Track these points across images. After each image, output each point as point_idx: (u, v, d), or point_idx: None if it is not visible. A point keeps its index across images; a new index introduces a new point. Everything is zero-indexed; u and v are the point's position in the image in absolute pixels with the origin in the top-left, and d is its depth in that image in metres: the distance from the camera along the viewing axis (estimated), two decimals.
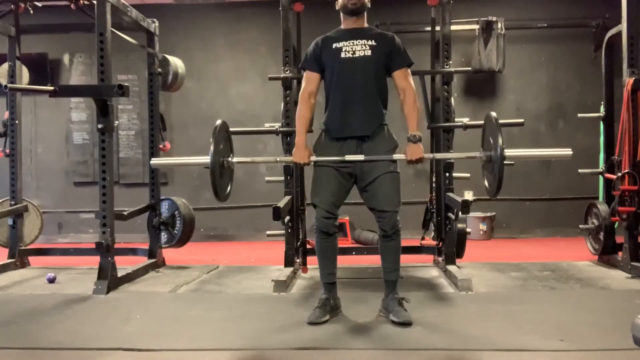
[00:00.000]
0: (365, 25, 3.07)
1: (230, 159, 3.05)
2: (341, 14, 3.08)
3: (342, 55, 2.96)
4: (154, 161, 3.43)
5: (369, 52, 2.95)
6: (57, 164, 6.84)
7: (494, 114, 2.85)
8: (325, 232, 2.96)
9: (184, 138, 6.66)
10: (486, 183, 3.00)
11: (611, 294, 3.57)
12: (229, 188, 3.11)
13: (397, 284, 2.98)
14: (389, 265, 2.96)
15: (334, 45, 2.99)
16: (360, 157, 2.90)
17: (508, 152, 2.74)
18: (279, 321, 2.96)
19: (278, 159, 3.38)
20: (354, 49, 2.96)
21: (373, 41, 2.98)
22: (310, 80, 3.05)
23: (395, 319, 2.83)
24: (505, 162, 2.72)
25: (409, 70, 3.03)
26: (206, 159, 2.89)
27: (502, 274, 4.19)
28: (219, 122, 2.97)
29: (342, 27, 3.07)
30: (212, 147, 2.87)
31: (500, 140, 2.73)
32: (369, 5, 3.07)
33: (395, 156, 2.93)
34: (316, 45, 3.05)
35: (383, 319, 2.93)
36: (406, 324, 2.78)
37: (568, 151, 2.93)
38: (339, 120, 2.97)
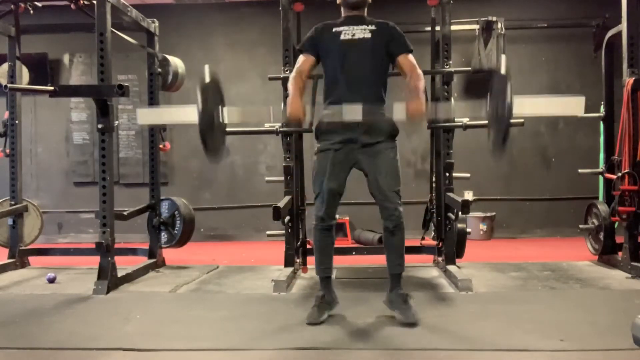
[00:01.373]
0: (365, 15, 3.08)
1: (220, 111, 2.94)
2: (342, 8, 3.09)
3: (342, 37, 2.98)
4: (141, 117, 3.19)
5: (368, 35, 2.97)
6: (57, 164, 6.85)
7: (504, 61, 2.75)
8: (324, 225, 2.96)
9: (184, 138, 6.65)
10: (491, 144, 2.83)
11: (611, 294, 3.57)
12: (223, 145, 3.02)
13: (401, 278, 2.97)
14: (393, 258, 2.95)
15: (334, 30, 3.01)
16: (359, 113, 2.80)
17: (517, 98, 2.56)
18: (279, 321, 2.95)
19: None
20: (353, 32, 2.98)
21: (373, 26, 3.00)
22: (304, 61, 3.03)
23: (401, 319, 2.81)
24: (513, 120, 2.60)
25: (411, 56, 3.00)
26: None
27: (502, 274, 4.19)
28: (206, 67, 2.82)
29: (343, 16, 3.08)
30: (199, 100, 2.74)
31: (509, 90, 2.58)
32: (370, 0, 3.07)
33: (396, 106, 2.80)
34: (315, 30, 3.06)
35: (383, 318, 2.92)
36: (412, 324, 2.77)
37: (580, 99, 2.73)
38: (339, 104, 2.91)
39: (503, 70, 2.69)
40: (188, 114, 2.80)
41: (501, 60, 2.74)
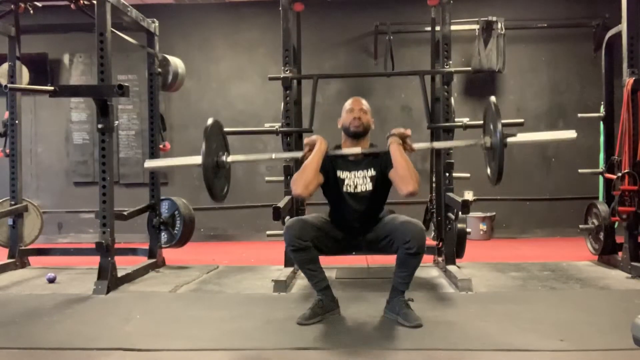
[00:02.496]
0: (367, 146, 3.03)
1: (225, 158, 2.96)
2: (342, 133, 3.07)
3: (344, 189, 2.99)
4: (148, 164, 3.34)
5: (370, 187, 2.98)
6: (57, 164, 6.85)
7: (493, 98, 2.82)
8: (294, 247, 2.89)
9: (184, 138, 6.66)
10: (488, 171, 2.95)
11: (611, 294, 3.57)
12: (226, 188, 3.06)
13: (405, 290, 2.95)
14: (404, 276, 2.89)
15: (338, 174, 3.01)
16: (358, 150, 2.96)
17: (510, 139, 2.69)
18: (279, 321, 2.95)
19: (274, 156, 3.30)
20: (355, 183, 2.99)
21: (372, 170, 2.99)
22: None
23: (406, 323, 2.80)
24: (507, 139, 2.68)
25: None
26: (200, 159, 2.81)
27: (502, 274, 4.19)
28: (210, 120, 2.88)
29: (343, 147, 3.05)
30: (203, 147, 2.79)
31: (499, 126, 2.69)
32: (373, 127, 3.06)
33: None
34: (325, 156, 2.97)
35: (383, 318, 2.93)
36: (417, 326, 2.76)
37: (572, 133, 2.82)
38: (340, 226, 3.05)
39: (493, 106, 2.77)
40: (193, 161, 2.95)
41: (491, 100, 2.82)
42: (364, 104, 3.06)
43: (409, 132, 2.91)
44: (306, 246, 2.88)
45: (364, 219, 3.04)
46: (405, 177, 2.80)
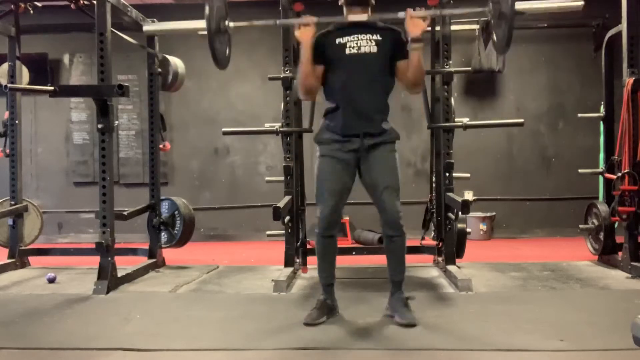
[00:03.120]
0: (370, 17, 2.94)
1: (227, 22, 2.90)
2: (344, 8, 2.98)
3: (347, 51, 2.88)
4: (147, 27, 3.14)
5: (374, 49, 2.88)
6: (57, 164, 6.84)
7: None
8: (327, 235, 2.93)
9: (184, 138, 6.66)
10: (494, 37, 2.81)
11: (611, 294, 3.57)
12: (227, 51, 2.99)
13: (403, 283, 2.97)
14: (394, 265, 2.94)
15: (338, 41, 2.91)
16: (364, 17, 2.88)
17: (519, 5, 2.60)
18: (279, 321, 2.96)
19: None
20: (359, 44, 2.88)
21: (378, 35, 2.90)
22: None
23: (399, 321, 2.82)
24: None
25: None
26: (201, 23, 2.77)
27: (502, 274, 4.19)
28: None
29: (345, 18, 2.96)
30: (207, 10, 2.75)
31: None
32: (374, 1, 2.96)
33: (400, 13, 2.79)
34: (317, 42, 2.91)
35: (383, 319, 2.93)
36: (410, 325, 2.78)
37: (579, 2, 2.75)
38: (342, 118, 2.90)
39: None
40: (195, 25, 2.97)
41: None
42: None
43: (427, 20, 2.85)
44: (334, 235, 2.95)
45: (369, 98, 2.90)
46: (417, 84, 2.93)
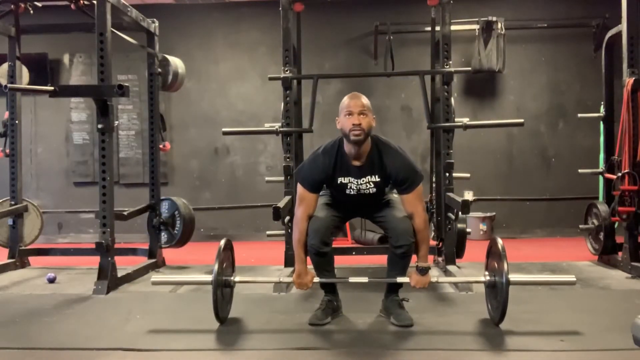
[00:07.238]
0: (368, 148, 2.87)
1: (232, 277, 3.05)
2: (344, 137, 2.91)
3: (347, 192, 2.94)
4: (155, 278, 3.19)
5: (373, 190, 2.92)
6: (57, 164, 6.84)
7: (500, 241, 2.77)
8: (318, 252, 2.90)
9: (184, 138, 6.66)
10: (489, 307, 2.90)
11: (611, 294, 3.57)
12: (228, 308, 3.07)
13: (399, 288, 2.98)
14: (396, 274, 2.92)
15: (339, 180, 2.91)
16: (365, 280, 3.01)
17: (513, 277, 2.67)
18: (279, 321, 2.96)
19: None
20: (358, 187, 2.91)
21: (377, 176, 2.89)
22: (307, 200, 2.91)
23: (396, 322, 2.83)
24: None
25: (419, 188, 2.89)
26: (208, 278, 2.89)
27: None
28: (223, 241, 3.02)
29: (345, 151, 2.88)
30: (215, 267, 2.88)
31: (505, 266, 2.66)
32: (374, 124, 2.88)
33: (400, 279, 2.90)
34: (317, 168, 2.90)
35: (383, 319, 2.93)
36: (407, 326, 2.78)
37: (572, 278, 2.87)
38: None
39: (499, 246, 2.75)
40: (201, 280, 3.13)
41: (497, 240, 2.81)
42: (364, 102, 2.81)
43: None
44: (329, 251, 2.93)
45: (368, 206, 3.06)
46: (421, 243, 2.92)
